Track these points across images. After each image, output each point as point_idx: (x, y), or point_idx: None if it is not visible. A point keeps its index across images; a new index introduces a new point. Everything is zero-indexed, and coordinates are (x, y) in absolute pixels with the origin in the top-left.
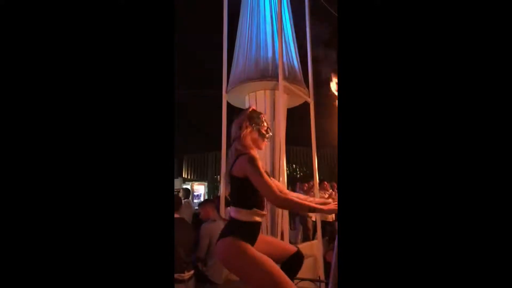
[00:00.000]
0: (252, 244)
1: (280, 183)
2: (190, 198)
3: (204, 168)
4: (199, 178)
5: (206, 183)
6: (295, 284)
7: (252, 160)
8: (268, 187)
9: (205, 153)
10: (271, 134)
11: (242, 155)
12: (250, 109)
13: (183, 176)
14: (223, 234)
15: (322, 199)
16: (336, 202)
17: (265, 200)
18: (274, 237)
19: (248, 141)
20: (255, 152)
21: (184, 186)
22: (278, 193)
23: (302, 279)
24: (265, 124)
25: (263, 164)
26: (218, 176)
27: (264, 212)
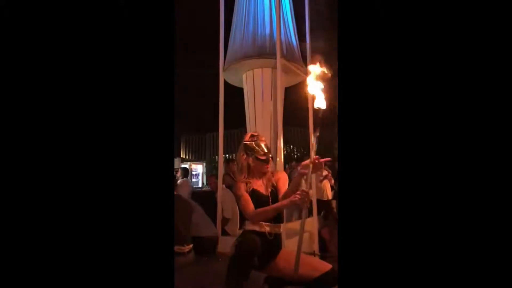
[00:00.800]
0: (255, 247)
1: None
2: (188, 177)
3: (202, 148)
4: (197, 158)
5: (204, 163)
6: None
7: (234, 189)
8: (243, 209)
9: (203, 134)
10: (271, 155)
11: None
12: (247, 137)
13: (181, 156)
14: None
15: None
16: (299, 193)
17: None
18: (309, 256)
19: (245, 169)
20: (258, 179)
21: (182, 166)
22: (251, 212)
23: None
24: (261, 148)
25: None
26: (216, 156)
27: (262, 223)
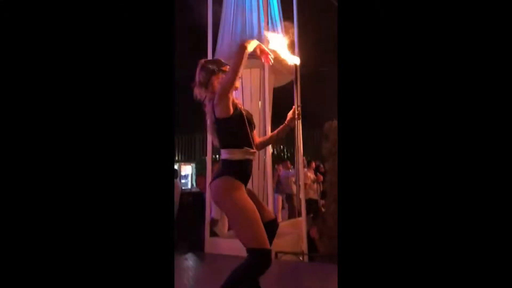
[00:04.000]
0: (245, 183)
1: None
2: (177, 179)
3: (192, 149)
4: (186, 159)
5: (193, 164)
6: (279, 258)
7: None
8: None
9: (193, 135)
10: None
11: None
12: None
13: None
14: (218, 174)
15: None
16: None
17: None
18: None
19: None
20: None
21: None
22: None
23: (286, 253)
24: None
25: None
26: (205, 157)
27: (253, 150)
